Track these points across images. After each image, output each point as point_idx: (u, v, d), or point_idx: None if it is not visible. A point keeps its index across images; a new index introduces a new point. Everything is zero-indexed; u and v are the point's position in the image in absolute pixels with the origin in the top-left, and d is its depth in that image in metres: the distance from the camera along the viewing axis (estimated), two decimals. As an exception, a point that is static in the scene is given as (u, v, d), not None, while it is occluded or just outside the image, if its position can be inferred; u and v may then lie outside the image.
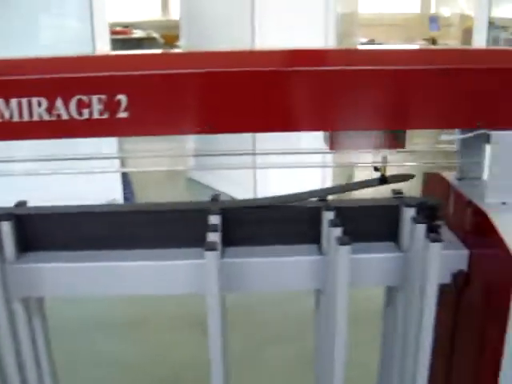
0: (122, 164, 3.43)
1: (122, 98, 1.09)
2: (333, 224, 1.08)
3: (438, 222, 1.20)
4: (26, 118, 1.11)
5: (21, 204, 1.24)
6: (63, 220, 1.20)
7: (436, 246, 1.02)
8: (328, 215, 1.13)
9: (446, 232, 1.22)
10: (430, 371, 1.36)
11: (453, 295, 1.21)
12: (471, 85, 1.06)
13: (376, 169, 1.15)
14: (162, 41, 8.20)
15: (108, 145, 2.88)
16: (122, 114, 1.10)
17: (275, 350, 2.53)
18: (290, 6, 3.70)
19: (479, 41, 4.03)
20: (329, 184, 4.15)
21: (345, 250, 1.02)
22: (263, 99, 1.10)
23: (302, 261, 1.14)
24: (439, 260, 1.03)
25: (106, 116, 1.10)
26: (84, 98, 1.09)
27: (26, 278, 1.17)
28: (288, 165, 1.19)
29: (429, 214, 1.18)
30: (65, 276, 1.17)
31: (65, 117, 1.10)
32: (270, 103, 1.10)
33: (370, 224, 1.17)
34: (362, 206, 1.18)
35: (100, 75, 1.09)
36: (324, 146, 1.21)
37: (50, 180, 2.95)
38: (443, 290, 1.27)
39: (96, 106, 1.09)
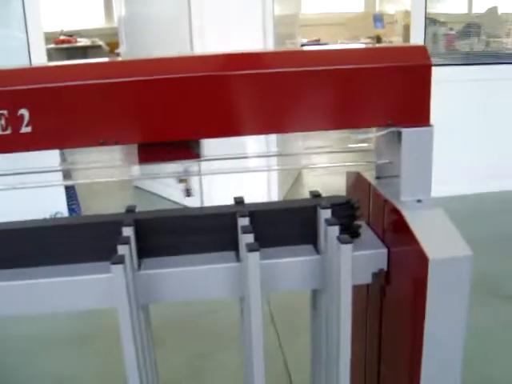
0: (66, 176, 3.35)
1: (24, 112, 1.05)
2: (244, 231, 1.06)
3: (358, 222, 1.19)
4: None
5: None
6: None
7: (347, 248, 1.01)
8: (242, 221, 1.11)
9: (367, 232, 1.22)
10: (361, 373, 1.36)
11: (378, 294, 1.21)
12: (379, 83, 1.06)
13: (181, 180, 1.15)
14: (107, 48, 8.08)
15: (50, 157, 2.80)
16: (25, 129, 1.06)
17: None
18: (228, 9, 3.69)
19: (417, 37, 4.08)
20: (275, 188, 4.16)
21: (254, 256, 1.01)
22: (177, 105, 1.08)
23: (218, 268, 1.12)
24: (350, 261, 1.02)
25: (8, 132, 1.06)
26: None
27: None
28: (231, 170, 1.18)
29: (348, 214, 1.17)
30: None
31: (-33, 134, 1.06)
32: (182, 108, 1.08)
33: (287, 227, 1.16)
34: (277, 208, 1.17)
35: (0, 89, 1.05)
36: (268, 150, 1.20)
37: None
38: (369, 289, 1.28)
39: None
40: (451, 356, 1.05)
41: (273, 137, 1.42)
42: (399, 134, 1.10)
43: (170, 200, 4.55)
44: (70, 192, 4.21)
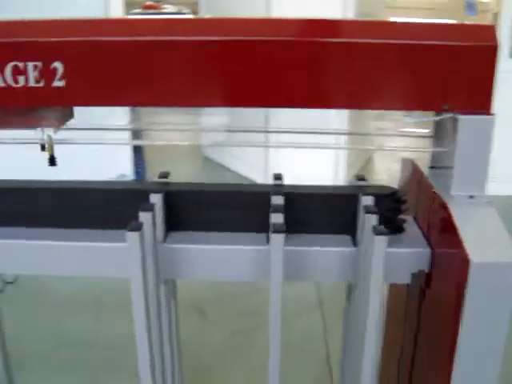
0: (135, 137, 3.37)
1: (58, 65, 1.01)
2: (275, 209, 0.99)
3: (404, 217, 1.10)
4: None
5: None
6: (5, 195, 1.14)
7: (381, 240, 0.92)
8: (276, 200, 1.04)
9: (412, 228, 1.12)
10: (395, 373, 1.27)
11: (417, 296, 1.11)
12: (436, 62, 0.95)
13: (43, 147, 1.07)
14: (192, 16, 8.10)
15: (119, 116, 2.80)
16: (58, 83, 1.02)
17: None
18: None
19: (505, 25, 3.83)
20: (343, 170, 4.04)
21: (278, 238, 0.93)
22: (233, 71, 1.01)
23: (246, 250, 1.05)
24: (382, 255, 0.92)
25: (41, 84, 1.03)
26: (20, 64, 1.02)
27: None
28: (301, 145, 1.10)
29: (392, 206, 1.08)
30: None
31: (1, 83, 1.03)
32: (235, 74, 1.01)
33: (325, 213, 1.08)
34: (315, 192, 1.08)
35: (35, 40, 1.01)
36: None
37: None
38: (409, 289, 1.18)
39: (32, 74, 1.02)
40: (487, 367, 0.94)
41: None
42: (456, 120, 0.99)
43: (235, 172, 4.53)
44: (138, 156, 4.25)
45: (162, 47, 1.00)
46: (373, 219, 0.97)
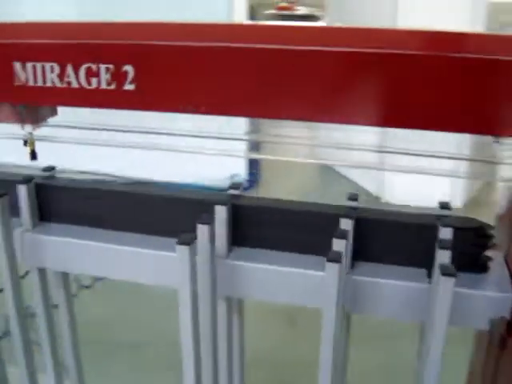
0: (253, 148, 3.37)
1: (129, 68, 1.00)
2: (341, 235, 0.91)
3: (489, 254, 0.97)
4: (39, 83, 1.06)
5: (48, 169, 1.20)
6: (78, 193, 1.15)
7: (446, 281, 0.81)
8: (345, 224, 0.95)
9: (499, 268, 0.98)
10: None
11: (496, 344, 0.98)
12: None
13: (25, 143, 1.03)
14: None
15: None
16: (129, 86, 1.01)
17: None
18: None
19: None
20: (461, 184, 3.79)
21: (334, 268, 0.85)
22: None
23: (307, 274, 0.98)
24: (449, 298, 0.81)
25: (113, 87, 1.02)
26: (93, 66, 1.02)
27: (36, 247, 1.14)
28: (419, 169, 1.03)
29: (476, 241, 0.95)
30: (69, 251, 1.12)
31: (74, 85, 1.04)
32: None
33: (397, 243, 0.98)
34: (389, 219, 0.98)
35: (107, 43, 1.01)
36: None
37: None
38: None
39: (103, 76, 1.02)
40: None
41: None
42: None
43: (352, 181, 4.42)
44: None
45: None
46: (445, 255, 0.86)
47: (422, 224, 0.96)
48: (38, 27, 1.07)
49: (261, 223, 1.05)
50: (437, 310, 0.82)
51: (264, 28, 1.01)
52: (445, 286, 0.81)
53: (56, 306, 1.26)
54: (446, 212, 0.99)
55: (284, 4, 8.30)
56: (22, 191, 1.12)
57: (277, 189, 4.05)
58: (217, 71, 0.97)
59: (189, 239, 0.91)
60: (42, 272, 1.20)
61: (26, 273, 1.20)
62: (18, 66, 1.06)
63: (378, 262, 0.99)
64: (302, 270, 0.98)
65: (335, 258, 0.86)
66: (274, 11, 8.30)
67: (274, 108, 0.97)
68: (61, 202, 1.16)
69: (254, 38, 0.97)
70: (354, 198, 1.05)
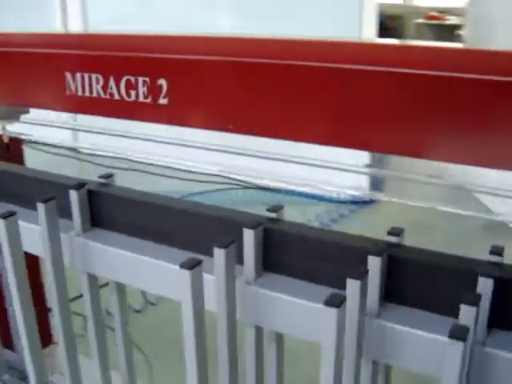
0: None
1: (163, 82, 0.98)
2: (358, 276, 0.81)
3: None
4: (87, 93, 1.08)
5: (106, 177, 1.22)
6: (128, 204, 1.15)
7: (453, 345, 0.68)
8: (373, 262, 0.86)
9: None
10: None
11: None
12: None
13: None
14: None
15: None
16: (163, 101, 0.99)
17: None
18: None
19: None
20: None
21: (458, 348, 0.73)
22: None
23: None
24: (459, 361, 0.69)
25: (148, 100, 1.00)
26: (131, 78, 1.01)
27: (84, 252, 1.16)
28: None
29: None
30: (113, 260, 1.13)
31: (116, 97, 1.04)
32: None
33: (430, 287, 0.86)
34: (421, 259, 0.87)
35: (143, 56, 0.99)
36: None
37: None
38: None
39: (141, 89, 1.01)
40: None
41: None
42: None
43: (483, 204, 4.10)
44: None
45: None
46: (471, 313, 0.73)
47: (460, 269, 0.84)
48: (88, 39, 1.09)
49: (290, 250, 0.98)
50: (445, 374, 0.70)
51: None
52: (452, 351, 0.68)
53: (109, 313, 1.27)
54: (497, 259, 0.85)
55: (434, 13, 7.95)
56: (74, 196, 1.14)
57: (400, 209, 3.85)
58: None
59: (192, 263, 0.86)
60: (91, 277, 1.21)
61: (106, 284, 1.23)
62: (68, 76, 1.09)
63: (408, 306, 0.88)
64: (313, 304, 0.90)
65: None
66: (423, 20, 7.98)
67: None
68: (112, 210, 1.16)
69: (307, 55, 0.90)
70: (395, 233, 0.94)
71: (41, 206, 1.11)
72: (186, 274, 0.86)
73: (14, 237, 1.13)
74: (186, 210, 1.08)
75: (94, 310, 1.23)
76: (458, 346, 0.68)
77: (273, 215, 1.03)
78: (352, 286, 0.79)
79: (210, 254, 0.94)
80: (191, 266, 0.86)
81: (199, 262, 0.88)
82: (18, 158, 1.57)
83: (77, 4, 4.82)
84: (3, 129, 1.18)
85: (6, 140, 1.18)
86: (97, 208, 1.18)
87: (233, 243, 0.92)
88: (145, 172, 4.11)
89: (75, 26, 4.83)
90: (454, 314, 0.76)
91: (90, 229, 1.18)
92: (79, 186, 1.15)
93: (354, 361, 0.83)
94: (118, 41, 1.05)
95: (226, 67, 0.93)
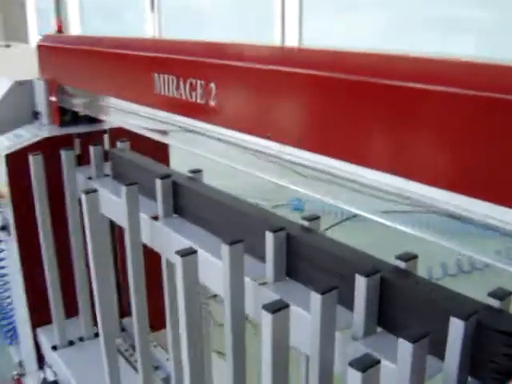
0: None
1: (213, 85, 1.05)
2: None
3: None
4: (168, 93, 1.19)
5: (195, 172, 1.33)
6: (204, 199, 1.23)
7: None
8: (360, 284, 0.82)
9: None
10: None
11: None
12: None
13: None
14: None
15: None
16: (212, 102, 1.06)
17: None
18: None
19: None
20: None
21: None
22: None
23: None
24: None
25: (203, 101, 1.08)
26: (193, 81, 1.10)
27: (162, 236, 1.27)
28: None
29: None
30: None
31: (184, 96, 1.14)
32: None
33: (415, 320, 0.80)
34: (418, 291, 0.81)
35: (201, 61, 1.07)
36: None
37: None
38: None
39: (199, 91, 1.09)
40: None
41: None
42: None
43: None
44: None
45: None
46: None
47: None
48: (166, 44, 1.20)
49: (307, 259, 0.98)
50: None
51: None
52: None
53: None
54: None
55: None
56: (158, 185, 1.27)
57: None
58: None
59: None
60: (168, 262, 1.32)
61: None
62: (156, 76, 1.21)
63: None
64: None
65: None
66: None
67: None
68: (189, 202, 1.26)
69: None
70: (408, 258, 0.88)
71: (123, 189, 1.26)
72: None
73: (95, 209, 1.34)
74: (245, 211, 1.12)
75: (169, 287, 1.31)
76: None
77: (305, 223, 1.04)
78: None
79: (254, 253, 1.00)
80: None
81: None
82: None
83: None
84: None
85: None
86: (179, 198, 1.29)
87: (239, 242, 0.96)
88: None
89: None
90: None
91: (171, 215, 1.29)
92: (165, 176, 1.28)
93: None
94: (186, 46, 1.15)
95: (268, 76, 0.96)
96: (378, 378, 0.69)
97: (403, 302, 0.83)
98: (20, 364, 2.11)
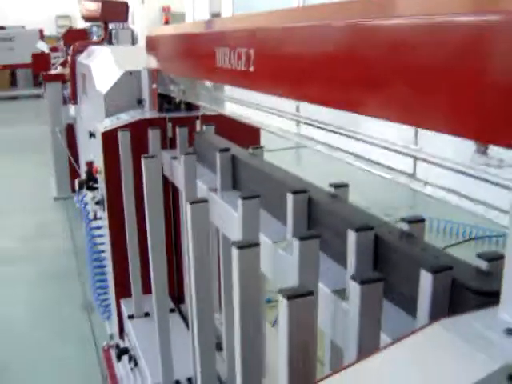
0: None
1: (251, 52, 1.07)
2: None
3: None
4: (225, 65, 1.24)
5: (255, 148, 1.36)
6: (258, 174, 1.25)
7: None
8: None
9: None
10: None
11: None
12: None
13: None
14: None
15: None
16: (251, 68, 1.08)
17: None
18: None
19: None
20: None
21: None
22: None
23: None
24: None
25: (244, 68, 1.11)
26: (242, 50, 1.13)
27: (215, 209, 1.31)
28: None
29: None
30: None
31: (235, 66, 1.17)
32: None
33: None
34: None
35: (233, 29, 1.11)
36: None
37: None
38: None
39: (243, 58, 1.12)
40: None
41: None
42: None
43: None
44: None
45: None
46: None
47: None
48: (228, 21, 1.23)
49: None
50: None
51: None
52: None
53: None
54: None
55: None
56: (218, 159, 1.32)
57: None
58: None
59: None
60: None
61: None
62: (217, 50, 1.26)
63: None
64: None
65: None
66: None
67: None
68: (244, 177, 1.28)
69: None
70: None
71: (182, 158, 1.32)
72: None
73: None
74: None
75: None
76: None
77: (331, 190, 1.03)
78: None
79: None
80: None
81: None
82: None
83: None
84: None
85: None
86: (238, 172, 1.32)
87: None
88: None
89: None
90: None
91: (228, 189, 1.32)
92: (224, 150, 1.32)
93: None
94: (234, 21, 1.18)
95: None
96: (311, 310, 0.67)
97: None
98: (111, 337, 2.25)
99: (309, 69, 0.90)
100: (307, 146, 1.03)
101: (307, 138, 1.04)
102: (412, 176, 0.76)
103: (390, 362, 0.51)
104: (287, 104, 1.06)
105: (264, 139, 1.84)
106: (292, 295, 0.64)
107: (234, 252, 0.83)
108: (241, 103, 1.30)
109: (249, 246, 0.84)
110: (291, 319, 0.64)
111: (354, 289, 0.66)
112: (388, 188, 2.94)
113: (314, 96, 0.90)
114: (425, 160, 0.74)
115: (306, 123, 1.04)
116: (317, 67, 0.87)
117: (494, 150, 0.57)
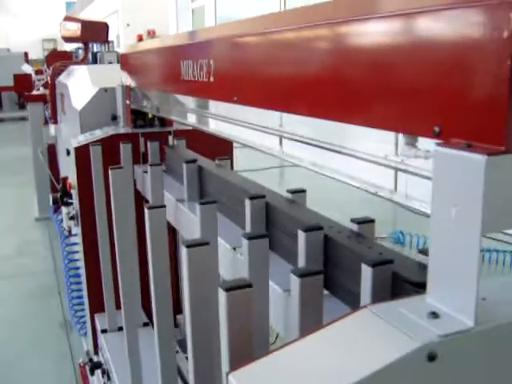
0: None
1: (211, 62, 1.10)
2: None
3: None
4: (189, 77, 1.27)
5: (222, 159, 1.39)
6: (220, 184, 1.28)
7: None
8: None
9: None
10: None
11: None
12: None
13: None
14: None
15: None
16: (211, 79, 1.11)
17: None
18: None
19: None
20: None
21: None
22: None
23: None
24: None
25: (205, 79, 1.14)
26: (201, 61, 1.16)
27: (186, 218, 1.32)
28: None
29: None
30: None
31: (196, 78, 1.21)
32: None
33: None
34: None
35: (196, 42, 1.14)
36: None
37: None
38: None
39: (204, 69, 1.15)
40: None
41: None
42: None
43: None
44: None
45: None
46: None
47: None
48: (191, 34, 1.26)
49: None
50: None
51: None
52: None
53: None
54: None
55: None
56: (185, 170, 1.34)
57: None
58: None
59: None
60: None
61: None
62: (182, 63, 1.29)
63: None
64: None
65: None
66: None
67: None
68: (209, 186, 1.31)
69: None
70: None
71: (149, 169, 1.35)
72: None
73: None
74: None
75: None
76: None
77: (289, 196, 1.05)
78: None
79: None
80: None
81: None
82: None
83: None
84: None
85: None
86: (204, 183, 1.35)
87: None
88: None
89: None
90: None
91: (195, 199, 1.35)
92: (191, 161, 1.35)
93: None
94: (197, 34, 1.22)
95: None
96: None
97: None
98: (87, 353, 2.24)
99: (264, 75, 0.93)
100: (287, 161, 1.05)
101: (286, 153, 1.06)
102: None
103: (317, 342, 0.54)
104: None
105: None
106: (229, 287, 0.67)
107: (184, 250, 0.85)
108: (213, 117, 1.33)
109: (198, 244, 0.87)
110: (230, 310, 0.66)
111: (294, 282, 0.68)
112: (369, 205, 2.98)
113: (270, 102, 0.93)
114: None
115: (286, 137, 1.04)
116: (271, 73, 0.91)
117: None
